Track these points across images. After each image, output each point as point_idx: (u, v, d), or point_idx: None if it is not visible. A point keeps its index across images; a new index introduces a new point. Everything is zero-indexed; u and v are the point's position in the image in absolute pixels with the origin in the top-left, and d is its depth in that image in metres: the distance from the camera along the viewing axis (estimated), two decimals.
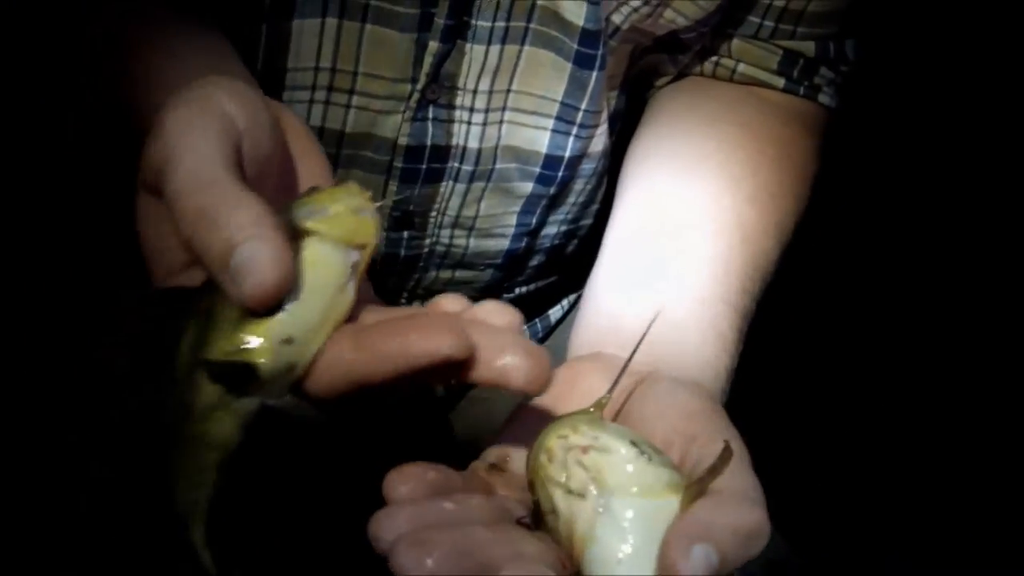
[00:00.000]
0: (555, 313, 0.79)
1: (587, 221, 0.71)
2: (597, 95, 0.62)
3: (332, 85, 0.58)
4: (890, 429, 1.20)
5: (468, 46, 0.58)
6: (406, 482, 0.36)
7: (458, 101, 0.60)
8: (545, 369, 0.36)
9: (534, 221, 0.67)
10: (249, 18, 0.56)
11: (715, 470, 0.36)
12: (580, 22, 0.59)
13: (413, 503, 0.36)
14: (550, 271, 0.73)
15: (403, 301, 0.68)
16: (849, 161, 1.11)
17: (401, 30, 0.57)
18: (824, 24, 0.66)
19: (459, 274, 0.68)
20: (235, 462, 0.38)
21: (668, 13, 0.61)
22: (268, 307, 0.36)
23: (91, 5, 0.50)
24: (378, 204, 0.40)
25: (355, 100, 0.59)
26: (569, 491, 0.37)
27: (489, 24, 0.58)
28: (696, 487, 0.36)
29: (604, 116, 0.65)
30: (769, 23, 0.65)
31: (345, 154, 0.60)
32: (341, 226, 0.38)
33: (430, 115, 0.60)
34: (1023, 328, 1.21)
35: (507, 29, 0.58)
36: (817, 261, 1.06)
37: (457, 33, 0.58)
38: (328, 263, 0.37)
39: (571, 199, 0.68)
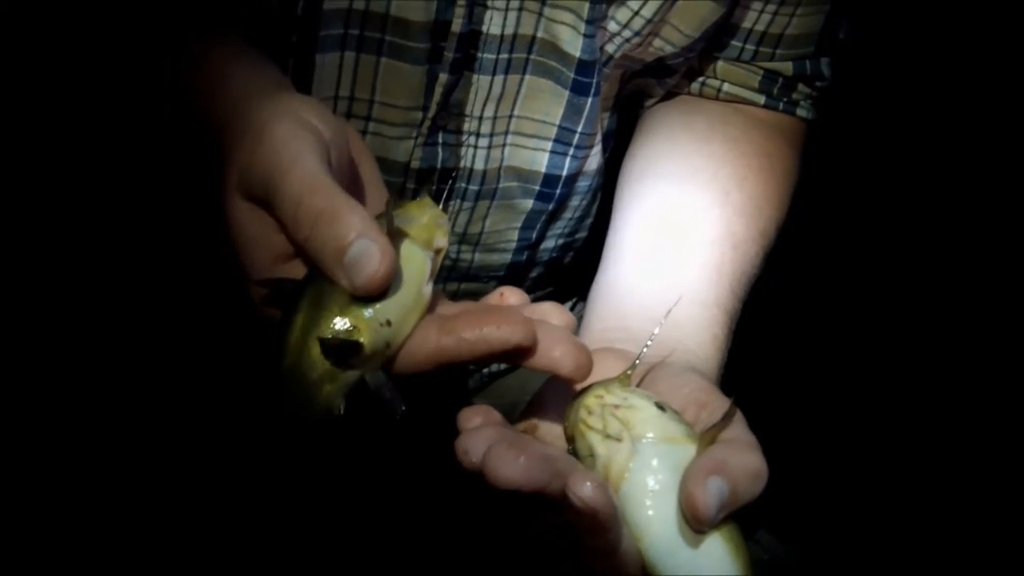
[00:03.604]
0: None
1: (582, 234, 0.76)
2: (592, 118, 0.67)
3: (350, 112, 0.63)
4: (888, 429, 1.22)
5: (475, 77, 0.63)
6: (479, 414, 0.44)
7: (465, 127, 0.65)
8: (588, 361, 0.44)
9: (534, 235, 0.72)
10: (277, 53, 0.60)
11: (724, 421, 0.44)
12: (577, 53, 0.64)
13: (492, 426, 0.43)
14: (548, 282, 0.78)
15: None
16: (847, 162, 1.15)
17: (413, 63, 0.61)
18: (800, 46, 0.72)
19: (464, 287, 0.72)
20: (337, 426, 0.44)
21: (657, 42, 0.67)
22: (376, 294, 0.42)
23: (162, 27, 0.54)
24: (448, 216, 0.46)
25: (371, 126, 0.63)
26: (607, 436, 0.44)
27: (494, 56, 0.63)
28: (709, 435, 0.44)
29: (598, 137, 0.70)
30: (750, 47, 0.71)
31: None
32: (427, 232, 0.45)
33: (440, 140, 0.65)
34: (1019, 327, 1.24)
35: (510, 60, 0.63)
36: (813, 262, 1.09)
37: (464, 65, 0.62)
38: (418, 261, 0.44)
39: (568, 214, 0.73)
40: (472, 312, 0.44)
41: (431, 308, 0.45)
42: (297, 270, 0.44)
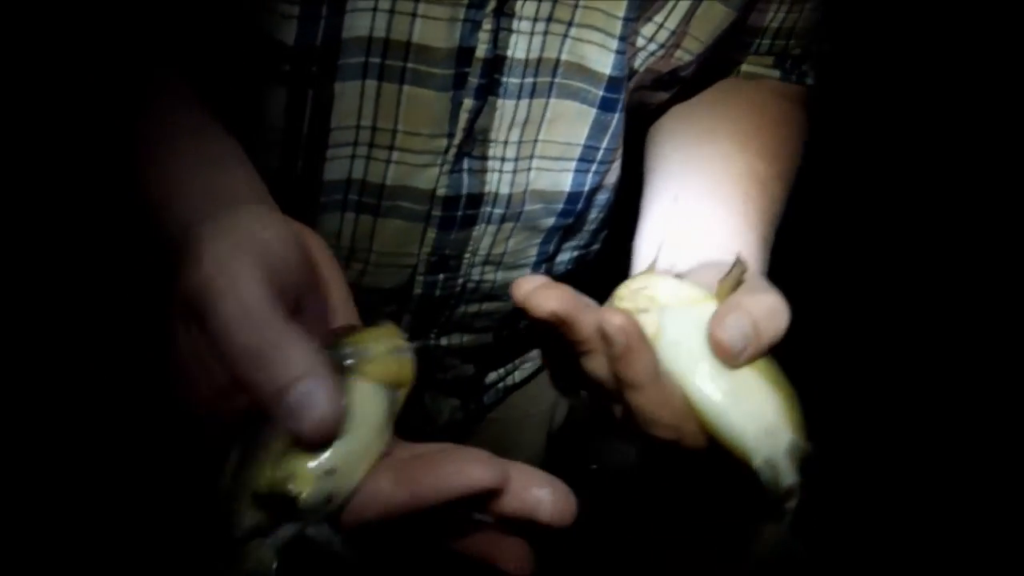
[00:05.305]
0: None
1: (596, 247, 0.75)
2: (617, 134, 0.66)
3: (373, 142, 0.60)
4: (892, 428, 1.24)
5: (499, 102, 0.61)
6: (532, 281, 0.46)
7: (491, 152, 0.63)
8: (571, 504, 0.39)
9: (551, 249, 0.71)
10: (297, 83, 0.58)
11: (733, 271, 0.48)
12: (607, 71, 0.62)
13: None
14: None
15: (432, 336, 0.72)
16: (851, 160, 1.15)
17: (437, 90, 0.59)
18: (808, 34, 0.73)
19: (486, 306, 0.71)
20: None
21: (677, 52, 0.65)
22: (324, 442, 0.38)
23: (114, 99, 0.52)
24: (414, 345, 0.42)
25: (395, 155, 0.61)
26: (638, 311, 0.48)
27: (519, 81, 0.61)
28: (725, 288, 0.48)
29: (620, 151, 0.69)
30: (766, 42, 0.72)
31: (385, 205, 0.63)
32: (384, 367, 0.41)
33: (465, 166, 0.63)
34: (1020, 327, 1.26)
35: (535, 84, 0.61)
36: (815, 263, 1.10)
37: (489, 90, 0.60)
38: (374, 402, 0.40)
39: (586, 227, 0.72)
40: (430, 455, 0.39)
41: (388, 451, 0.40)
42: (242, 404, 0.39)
